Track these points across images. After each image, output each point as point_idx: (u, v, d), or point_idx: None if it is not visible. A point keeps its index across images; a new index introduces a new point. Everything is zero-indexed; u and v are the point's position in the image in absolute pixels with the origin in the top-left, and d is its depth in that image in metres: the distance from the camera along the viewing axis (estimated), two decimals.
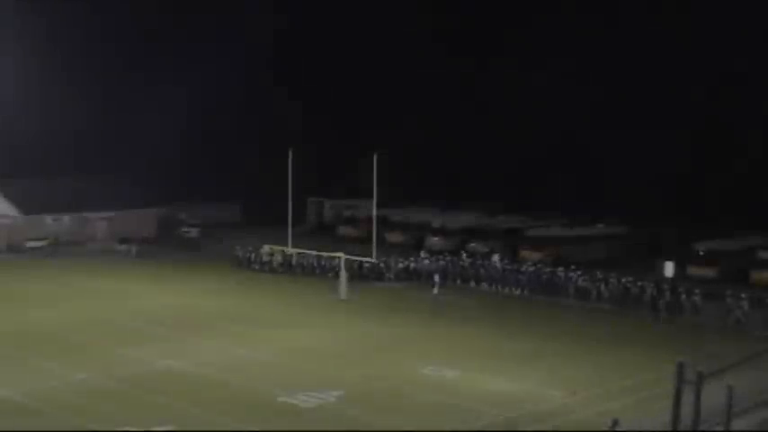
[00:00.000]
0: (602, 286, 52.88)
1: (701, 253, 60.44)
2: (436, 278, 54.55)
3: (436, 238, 70.22)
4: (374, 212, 56.89)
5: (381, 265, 57.95)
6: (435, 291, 53.21)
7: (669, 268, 51.75)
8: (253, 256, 62.71)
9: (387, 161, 54.06)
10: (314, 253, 59.79)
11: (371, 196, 54.35)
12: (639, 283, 51.73)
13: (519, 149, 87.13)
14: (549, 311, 50.72)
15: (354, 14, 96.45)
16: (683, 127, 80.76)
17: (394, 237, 72.45)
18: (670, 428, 25.89)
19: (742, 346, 40.39)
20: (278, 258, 61.20)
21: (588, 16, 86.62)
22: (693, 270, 58.91)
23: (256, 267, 62.01)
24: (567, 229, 69.38)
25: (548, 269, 57.06)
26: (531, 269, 57.25)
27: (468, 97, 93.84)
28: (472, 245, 67.27)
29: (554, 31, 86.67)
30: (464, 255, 62.70)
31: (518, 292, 55.51)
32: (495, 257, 61.77)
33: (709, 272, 58.78)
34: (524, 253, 64.33)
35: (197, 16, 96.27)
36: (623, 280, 52.66)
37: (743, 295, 48.14)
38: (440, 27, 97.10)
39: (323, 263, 59.98)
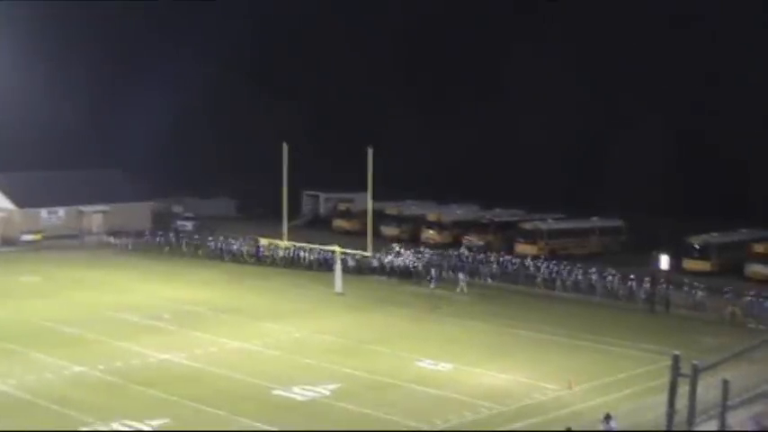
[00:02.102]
0: (565, 275, 53.84)
1: (697, 246, 60.46)
2: (433, 273, 54.50)
3: (432, 231, 70.20)
4: (369, 206, 56.84)
5: (342, 256, 57.78)
6: (432, 285, 53.16)
7: (664, 261, 51.79)
8: (224, 246, 62.88)
9: (383, 155, 54.01)
10: (283, 244, 59.78)
11: (366, 190, 54.34)
12: (604, 274, 52.57)
13: (517, 146, 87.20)
14: (539, 304, 50.76)
15: (352, 10, 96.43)
16: (681, 123, 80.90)
17: (389, 230, 72.42)
18: (665, 422, 25.91)
19: (736, 339, 40.43)
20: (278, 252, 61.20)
21: (587, 16, 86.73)
22: (689, 264, 59.02)
23: (227, 258, 62.27)
24: (562, 222, 69.34)
25: (515, 260, 57.47)
26: (500, 260, 57.69)
27: (468, 95, 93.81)
28: (468, 238, 67.28)
29: (555, 24, 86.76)
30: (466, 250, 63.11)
31: (487, 281, 55.82)
32: (464, 248, 62.02)
33: (704, 265, 58.85)
34: (519, 246, 64.24)
35: (193, 13, 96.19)
36: (589, 271, 53.40)
37: (696, 284, 49.79)
38: (439, 25, 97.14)
39: (292, 254, 60.17)
